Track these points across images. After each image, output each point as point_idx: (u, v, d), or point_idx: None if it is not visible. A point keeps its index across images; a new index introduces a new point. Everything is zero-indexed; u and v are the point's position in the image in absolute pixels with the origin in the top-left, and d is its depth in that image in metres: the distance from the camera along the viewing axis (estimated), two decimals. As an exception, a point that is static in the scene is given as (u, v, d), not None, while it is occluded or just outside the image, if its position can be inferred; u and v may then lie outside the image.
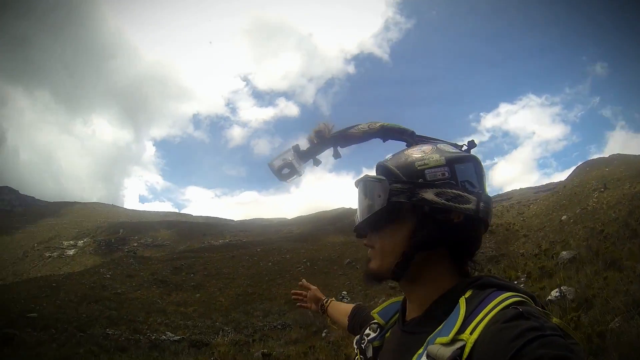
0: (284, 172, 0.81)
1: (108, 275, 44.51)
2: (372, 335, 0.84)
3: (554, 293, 7.19)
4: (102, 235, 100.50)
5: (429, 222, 0.68)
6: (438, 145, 0.75)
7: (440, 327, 0.61)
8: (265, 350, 10.57)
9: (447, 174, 0.69)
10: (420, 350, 0.60)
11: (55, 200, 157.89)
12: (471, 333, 0.54)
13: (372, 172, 0.79)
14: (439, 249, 0.70)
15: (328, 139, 0.81)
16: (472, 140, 0.78)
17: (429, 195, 0.67)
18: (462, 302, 0.62)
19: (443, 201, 0.66)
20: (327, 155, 0.89)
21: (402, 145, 0.84)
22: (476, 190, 0.69)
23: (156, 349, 18.57)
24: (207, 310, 36.24)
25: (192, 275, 48.65)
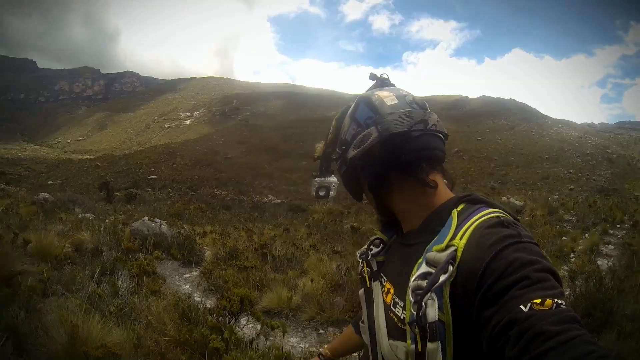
0: (321, 193, 0.98)
1: (220, 142, 48.89)
2: (375, 250, 0.91)
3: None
4: (216, 106, 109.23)
5: (366, 168, 0.81)
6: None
7: (436, 237, 0.69)
8: (355, 224, 10.47)
9: (355, 127, 0.82)
10: (420, 260, 0.68)
11: (173, 77, 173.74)
12: (461, 238, 0.64)
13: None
14: (397, 180, 0.79)
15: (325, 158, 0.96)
16: (371, 73, 0.90)
17: (351, 152, 0.81)
18: (454, 214, 0.71)
19: (358, 150, 0.79)
20: None
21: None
22: (374, 117, 0.79)
23: (257, 210, 19.72)
24: (311, 177, 37.67)
25: (301, 143, 50.55)
